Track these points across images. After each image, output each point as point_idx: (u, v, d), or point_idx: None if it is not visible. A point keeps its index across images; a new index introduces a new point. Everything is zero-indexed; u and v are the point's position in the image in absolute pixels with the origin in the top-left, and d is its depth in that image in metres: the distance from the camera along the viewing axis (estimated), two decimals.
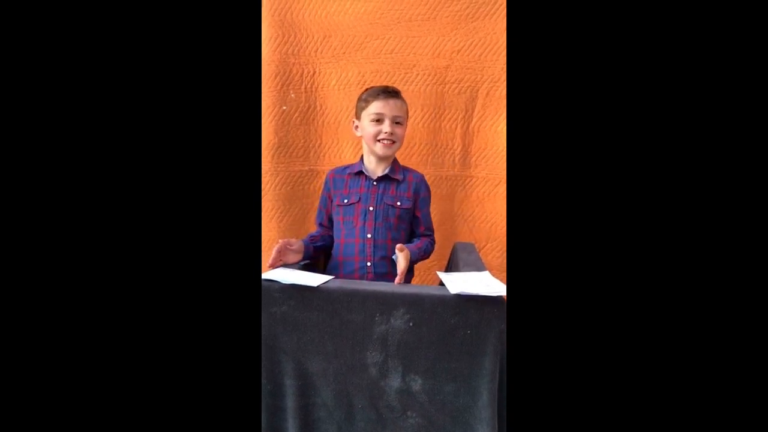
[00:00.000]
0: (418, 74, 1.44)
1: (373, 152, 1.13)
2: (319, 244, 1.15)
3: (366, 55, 1.44)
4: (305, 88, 1.47)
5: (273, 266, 0.95)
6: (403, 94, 1.16)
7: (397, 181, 1.15)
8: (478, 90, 1.45)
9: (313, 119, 1.50)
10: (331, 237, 1.19)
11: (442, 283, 0.87)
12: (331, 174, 1.19)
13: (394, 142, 1.11)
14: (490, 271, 0.95)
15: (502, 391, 0.82)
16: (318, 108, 1.49)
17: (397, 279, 0.97)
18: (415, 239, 1.17)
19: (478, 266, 1.03)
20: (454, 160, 1.49)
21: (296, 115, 1.49)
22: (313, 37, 1.44)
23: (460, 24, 1.41)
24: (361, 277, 1.09)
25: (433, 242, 1.20)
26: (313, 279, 0.85)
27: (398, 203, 1.13)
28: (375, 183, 1.14)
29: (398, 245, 1.01)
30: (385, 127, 1.09)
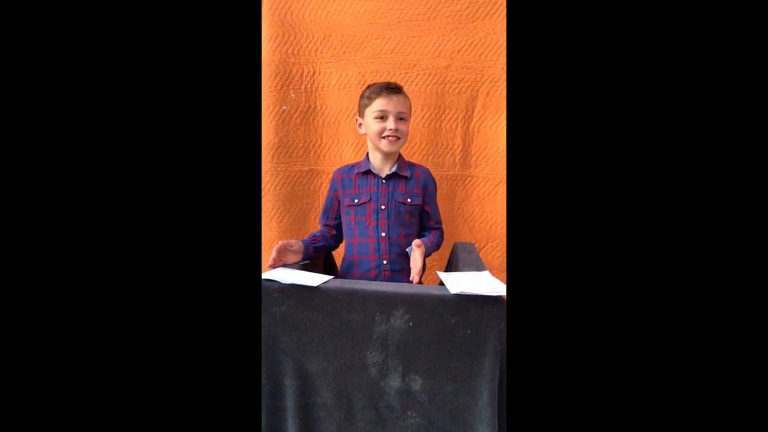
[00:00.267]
0: (418, 74, 1.44)
1: (378, 149, 1.13)
2: (319, 244, 1.14)
3: (366, 55, 1.44)
4: (305, 88, 1.47)
5: (273, 267, 0.95)
6: None
7: (406, 177, 1.15)
8: (478, 90, 1.45)
9: (314, 119, 1.50)
10: (333, 237, 1.19)
11: (442, 283, 0.87)
12: (338, 174, 1.18)
13: (399, 138, 1.11)
14: (490, 271, 0.95)
15: (502, 391, 0.82)
16: (318, 108, 1.49)
17: (415, 278, 0.98)
18: (425, 233, 1.18)
19: (478, 266, 1.03)
20: (454, 160, 1.49)
21: (296, 115, 1.49)
22: (313, 37, 1.44)
23: (460, 24, 1.41)
24: (378, 275, 1.10)
25: (442, 234, 1.22)
26: (313, 279, 0.85)
27: (408, 200, 1.14)
28: (384, 181, 1.14)
29: (415, 241, 1.02)
30: (390, 123, 1.09)
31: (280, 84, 1.46)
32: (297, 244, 1.04)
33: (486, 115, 1.46)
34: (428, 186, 1.18)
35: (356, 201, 1.13)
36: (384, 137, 1.10)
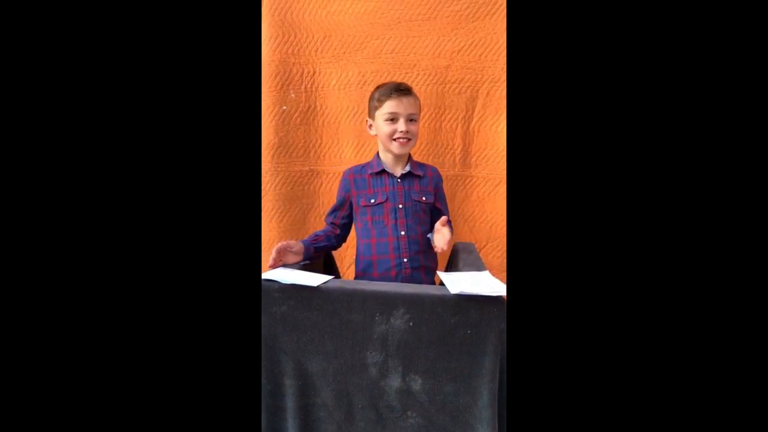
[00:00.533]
0: (418, 74, 1.44)
1: (389, 151, 1.14)
2: (321, 244, 1.14)
3: (366, 55, 1.44)
4: (305, 88, 1.47)
5: (273, 267, 0.95)
6: None
7: (419, 176, 1.17)
8: (478, 90, 1.45)
9: (313, 119, 1.50)
10: (337, 237, 1.18)
11: (442, 283, 0.87)
12: (350, 174, 1.18)
13: (409, 139, 1.12)
14: (490, 271, 0.95)
15: (502, 391, 0.82)
16: (318, 108, 1.49)
17: (445, 246, 1.00)
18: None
19: (478, 266, 1.03)
20: (454, 160, 1.49)
21: (296, 115, 1.49)
22: (313, 37, 1.44)
23: (460, 24, 1.41)
24: (398, 274, 1.11)
25: (452, 229, 1.22)
26: (313, 279, 0.85)
27: (423, 198, 1.16)
28: (399, 180, 1.15)
29: (442, 218, 1.03)
30: (400, 126, 1.10)
31: (280, 84, 1.46)
32: (297, 245, 1.04)
33: (486, 115, 1.46)
34: (439, 184, 1.21)
35: (372, 201, 1.14)
36: (395, 139, 1.11)
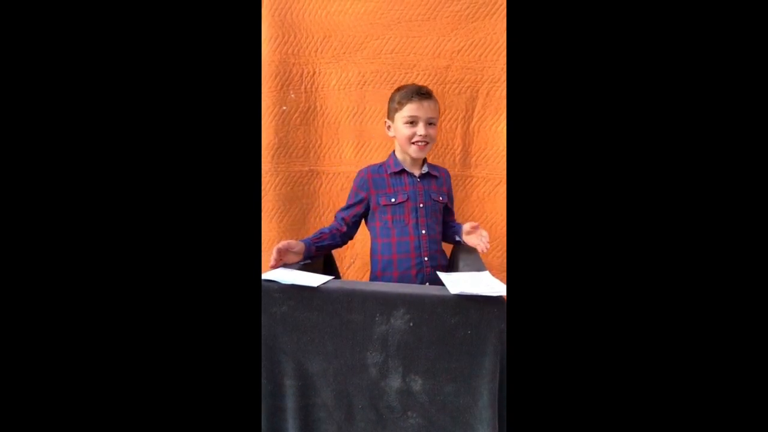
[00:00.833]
0: (418, 74, 1.44)
1: (407, 154, 1.15)
2: (324, 243, 1.13)
3: (366, 56, 1.44)
4: (305, 88, 1.47)
5: (274, 267, 0.95)
6: None
7: (436, 177, 1.19)
8: (478, 90, 1.45)
9: (313, 120, 1.50)
10: (342, 235, 1.18)
11: (442, 283, 0.87)
12: (368, 174, 1.17)
13: (427, 143, 1.13)
14: (490, 271, 0.95)
15: (503, 391, 0.82)
16: (318, 108, 1.49)
17: (488, 245, 1.06)
18: (450, 222, 1.25)
19: (478, 266, 1.03)
20: (454, 160, 1.49)
21: (296, 115, 1.49)
22: (313, 38, 1.44)
23: (460, 24, 1.41)
24: (419, 272, 1.12)
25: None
26: (313, 279, 0.85)
27: (440, 198, 1.18)
28: (419, 180, 1.16)
29: (472, 224, 1.11)
30: (420, 129, 1.11)
31: (280, 84, 1.46)
32: (298, 245, 1.04)
33: (486, 116, 1.46)
34: (449, 185, 1.25)
35: (393, 200, 1.14)
36: (413, 143, 1.12)
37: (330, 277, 0.87)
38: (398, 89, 1.17)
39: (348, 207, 1.19)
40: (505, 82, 1.41)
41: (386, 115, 1.19)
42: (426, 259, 1.12)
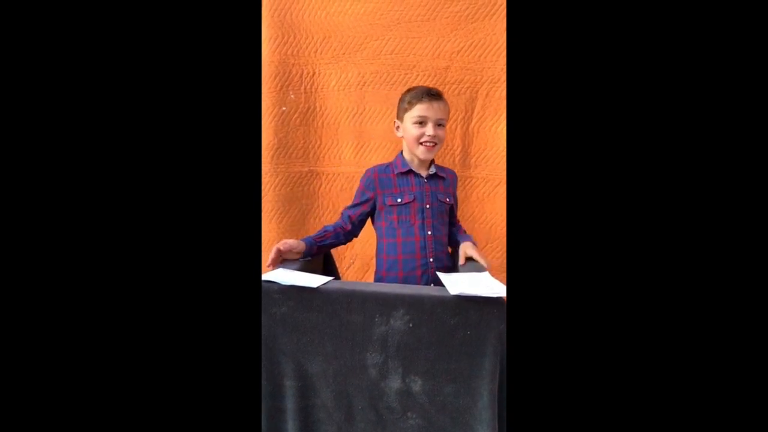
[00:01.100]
0: (417, 75, 1.44)
1: (415, 155, 1.15)
2: (327, 242, 1.14)
3: (366, 56, 1.44)
4: (305, 89, 1.48)
5: (272, 266, 0.95)
6: None
7: (443, 178, 1.19)
8: (477, 91, 1.45)
9: (313, 120, 1.50)
10: (346, 234, 1.18)
11: (441, 284, 0.87)
12: (375, 173, 1.17)
13: (435, 144, 1.12)
14: (489, 272, 0.95)
15: (502, 392, 0.82)
16: (317, 109, 1.49)
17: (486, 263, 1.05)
18: (454, 228, 1.23)
19: (478, 267, 1.03)
20: (454, 161, 1.49)
21: (296, 116, 1.49)
22: (312, 38, 1.44)
23: (459, 25, 1.41)
24: (423, 273, 1.12)
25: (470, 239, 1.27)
26: (313, 280, 0.85)
27: (447, 199, 1.18)
28: (426, 181, 1.16)
29: (467, 244, 1.12)
30: (429, 130, 1.10)
31: (279, 85, 1.46)
32: (299, 246, 1.04)
33: (485, 116, 1.47)
34: (456, 187, 1.25)
35: (399, 200, 1.14)
36: (421, 143, 1.12)
37: (330, 278, 0.87)
38: (408, 90, 1.17)
39: (355, 205, 1.19)
40: (505, 83, 1.41)
41: (395, 115, 1.18)
42: (431, 260, 1.12)
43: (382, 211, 1.16)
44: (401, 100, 1.16)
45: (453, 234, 1.21)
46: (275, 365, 0.85)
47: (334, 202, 1.53)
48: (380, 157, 1.47)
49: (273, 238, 1.51)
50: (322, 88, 1.47)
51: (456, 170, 1.48)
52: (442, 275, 0.93)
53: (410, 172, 1.16)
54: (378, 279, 1.17)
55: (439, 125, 1.12)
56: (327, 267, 1.25)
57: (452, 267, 1.15)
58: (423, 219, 1.13)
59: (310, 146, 1.51)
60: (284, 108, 1.48)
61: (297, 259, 1.03)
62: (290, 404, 0.86)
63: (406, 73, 1.44)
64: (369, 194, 1.17)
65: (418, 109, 1.10)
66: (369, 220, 1.21)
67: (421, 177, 1.16)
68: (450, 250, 1.21)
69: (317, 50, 1.45)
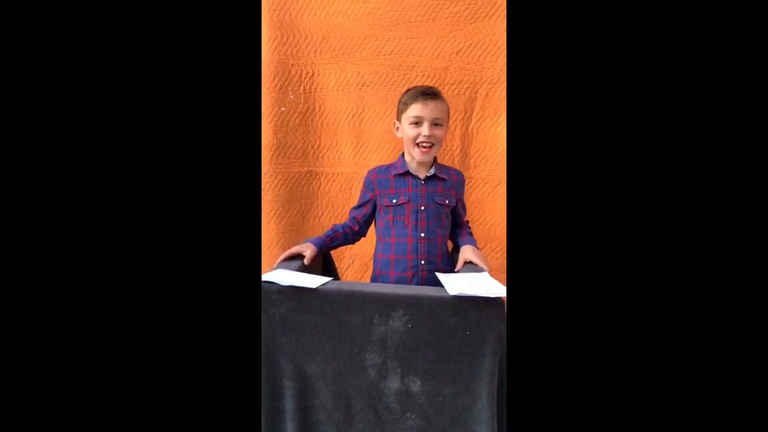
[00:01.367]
0: (417, 75, 1.44)
1: (411, 156, 1.15)
2: (337, 242, 1.16)
3: (365, 56, 1.44)
4: (304, 89, 1.47)
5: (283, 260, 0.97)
6: None
7: (443, 179, 1.17)
8: (477, 91, 1.45)
9: (312, 120, 1.50)
10: (354, 234, 1.19)
11: (440, 285, 0.87)
12: (374, 174, 1.18)
13: (432, 145, 1.11)
14: (489, 272, 0.95)
15: (502, 392, 0.82)
16: (317, 109, 1.49)
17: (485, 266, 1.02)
18: (458, 230, 1.21)
19: (477, 268, 1.03)
20: (453, 161, 1.49)
21: (295, 116, 1.49)
22: (312, 38, 1.44)
23: (459, 25, 1.41)
24: (414, 275, 1.11)
25: (468, 226, 1.26)
26: (312, 280, 0.85)
27: (446, 201, 1.16)
28: (423, 182, 1.15)
29: (468, 247, 1.09)
30: (424, 130, 1.09)
31: (279, 85, 1.46)
32: (309, 250, 1.06)
33: (485, 117, 1.47)
34: (460, 188, 1.21)
35: (394, 201, 1.14)
36: (417, 144, 1.10)
37: (329, 279, 0.87)
38: (406, 90, 1.16)
39: (358, 206, 1.21)
40: (505, 83, 1.41)
41: (395, 116, 1.18)
42: (423, 262, 1.11)
43: (381, 211, 1.17)
44: (399, 101, 1.16)
45: (456, 236, 1.20)
46: (274, 366, 0.85)
47: (333, 203, 1.53)
48: (379, 157, 1.47)
49: (272, 239, 1.51)
50: (321, 89, 1.47)
51: None
52: (441, 275, 0.93)
53: (407, 173, 1.15)
54: (374, 278, 1.18)
55: (436, 125, 1.10)
56: (326, 267, 1.25)
57: (448, 270, 1.14)
58: (417, 221, 1.12)
59: (310, 146, 1.51)
60: (283, 108, 1.47)
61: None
62: (289, 405, 0.86)
63: (406, 74, 1.44)
64: (369, 195, 1.18)
65: (414, 109, 1.09)
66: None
67: (419, 179, 1.15)
68: (451, 251, 1.21)
69: (316, 50, 1.45)
